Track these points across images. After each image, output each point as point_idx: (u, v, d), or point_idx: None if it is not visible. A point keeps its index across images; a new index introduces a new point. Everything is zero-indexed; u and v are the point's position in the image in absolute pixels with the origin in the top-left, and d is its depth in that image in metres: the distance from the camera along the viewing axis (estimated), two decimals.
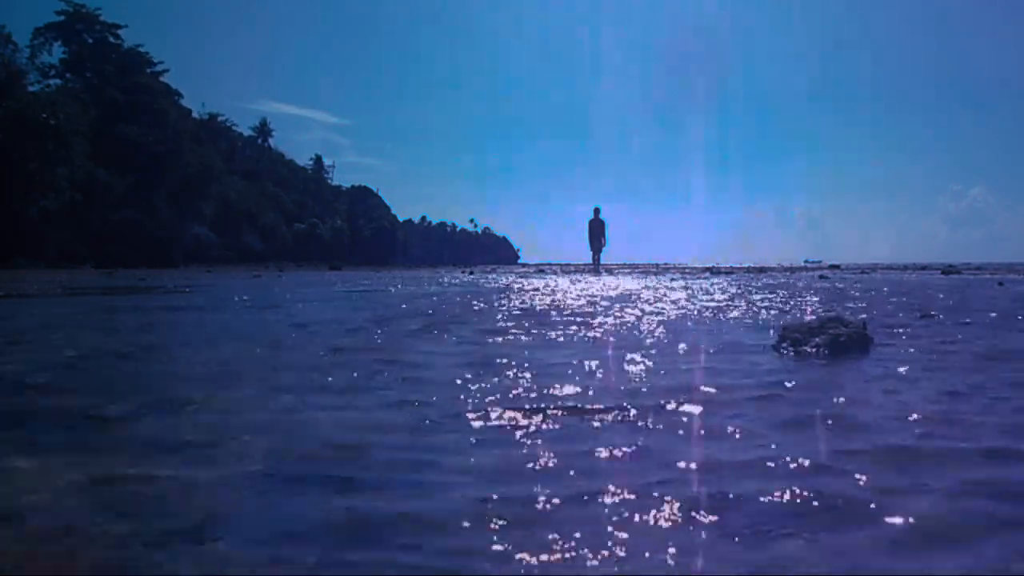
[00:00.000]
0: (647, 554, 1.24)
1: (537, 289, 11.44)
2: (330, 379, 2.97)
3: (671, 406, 2.35)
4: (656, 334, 4.60)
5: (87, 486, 1.59)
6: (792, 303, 7.64)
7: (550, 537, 1.29)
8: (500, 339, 4.37)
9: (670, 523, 1.37)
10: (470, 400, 2.48)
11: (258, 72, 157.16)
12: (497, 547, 1.26)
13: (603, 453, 1.83)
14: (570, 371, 3.09)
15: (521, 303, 7.76)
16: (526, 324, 5.23)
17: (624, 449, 1.87)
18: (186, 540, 1.30)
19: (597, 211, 22.01)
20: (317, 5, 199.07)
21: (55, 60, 46.19)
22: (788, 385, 2.74)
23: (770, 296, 8.97)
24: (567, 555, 1.23)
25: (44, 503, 1.49)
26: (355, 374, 3.06)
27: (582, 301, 8.06)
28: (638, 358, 3.47)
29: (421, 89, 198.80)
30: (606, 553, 1.23)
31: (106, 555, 1.25)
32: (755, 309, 6.77)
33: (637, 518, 1.38)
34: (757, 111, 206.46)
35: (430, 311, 6.73)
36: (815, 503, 1.46)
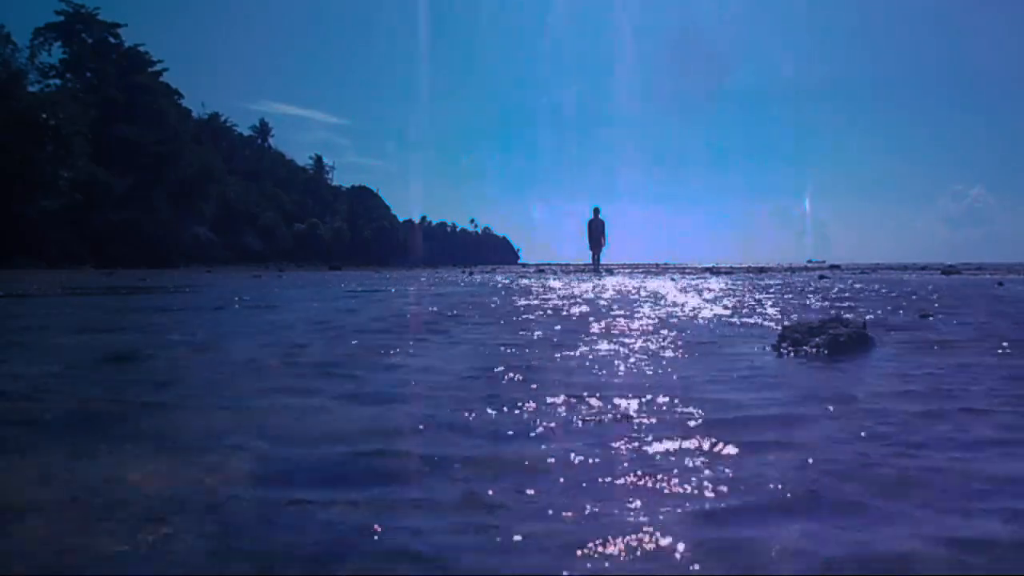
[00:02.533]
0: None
1: (539, 290, 11.46)
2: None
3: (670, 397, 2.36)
4: (660, 332, 4.60)
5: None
6: (792, 303, 7.65)
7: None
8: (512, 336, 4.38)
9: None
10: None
11: (258, 72, 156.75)
12: None
13: (624, 449, 1.84)
14: (579, 369, 3.09)
15: (528, 306, 7.76)
16: (530, 328, 5.23)
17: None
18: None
19: (597, 211, 22.04)
20: (317, 5, 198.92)
21: (55, 60, 46.28)
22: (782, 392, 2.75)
23: (770, 297, 8.97)
24: None
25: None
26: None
27: (584, 307, 8.07)
28: (649, 355, 3.48)
29: (421, 89, 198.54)
30: None
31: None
32: (755, 309, 6.77)
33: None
34: (758, 110, 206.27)
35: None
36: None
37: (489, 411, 2.31)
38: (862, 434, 2.02)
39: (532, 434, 2.05)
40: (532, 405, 2.40)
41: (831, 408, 2.37)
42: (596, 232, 21.81)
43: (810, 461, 1.74)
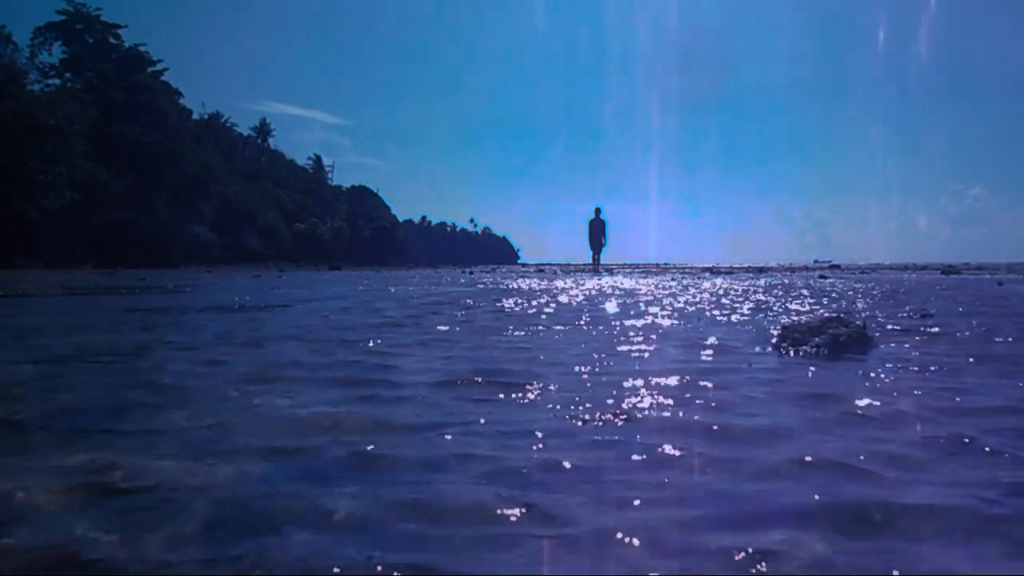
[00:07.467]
0: None
1: (539, 290, 11.46)
2: None
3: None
4: (662, 329, 4.61)
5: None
6: (792, 303, 7.65)
7: None
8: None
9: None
10: None
11: (258, 72, 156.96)
12: None
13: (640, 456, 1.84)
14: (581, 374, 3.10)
15: (528, 306, 7.77)
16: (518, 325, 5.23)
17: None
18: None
19: (598, 211, 22.06)
20: (317, 5, 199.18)
21: (55, 60, 46.24)
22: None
23: (770, 296, 8.97)
24: None
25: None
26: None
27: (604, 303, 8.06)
28: (654, 351, 3.48)
29: (421, 89, 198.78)
30: None
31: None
32: (756, 309, 6.77)
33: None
34: (758, 110, 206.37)
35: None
36: None
37: None
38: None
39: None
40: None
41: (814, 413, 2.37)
42: (597, 232, 21.83)
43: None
